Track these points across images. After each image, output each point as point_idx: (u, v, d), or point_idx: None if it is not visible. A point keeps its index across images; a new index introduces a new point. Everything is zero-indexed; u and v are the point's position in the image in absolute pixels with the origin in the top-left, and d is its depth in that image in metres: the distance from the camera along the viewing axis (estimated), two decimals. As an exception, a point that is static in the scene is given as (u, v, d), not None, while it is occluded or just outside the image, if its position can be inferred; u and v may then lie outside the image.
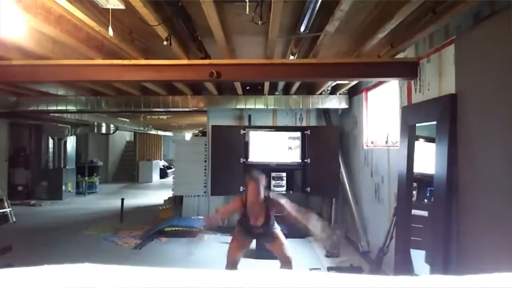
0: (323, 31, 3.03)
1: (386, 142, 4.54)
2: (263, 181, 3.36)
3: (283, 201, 3.36)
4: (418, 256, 3.22)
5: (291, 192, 6.32)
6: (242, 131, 6.29)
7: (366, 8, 2.99)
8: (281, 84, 5.82)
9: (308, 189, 6.05)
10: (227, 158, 6.23)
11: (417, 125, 3.43)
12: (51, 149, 10.48)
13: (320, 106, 6.14)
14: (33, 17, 2.53)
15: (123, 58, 3.64)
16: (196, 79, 4.14)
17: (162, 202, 8.09)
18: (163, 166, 17.15)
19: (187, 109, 6.52)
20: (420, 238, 3.22)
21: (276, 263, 4.47)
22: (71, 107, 6.46)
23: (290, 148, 6.45)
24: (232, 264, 3.46)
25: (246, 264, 3.53)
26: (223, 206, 3.67)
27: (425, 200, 3.31)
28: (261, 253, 4.45)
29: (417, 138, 3.46)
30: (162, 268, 0.52)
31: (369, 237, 5.04)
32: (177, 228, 6.04)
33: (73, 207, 9.15)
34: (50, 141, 10.45)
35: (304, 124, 6.76)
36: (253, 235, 3.54)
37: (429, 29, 2.91)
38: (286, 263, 3.43)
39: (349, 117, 6.18)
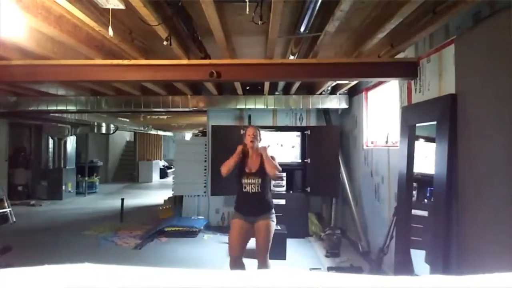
0: (323, 31, 3.03)
1: (386, 142, 4.54)
2: (259, 131, 3.56)
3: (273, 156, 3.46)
4: (418, 256, 3.22)
5: (291, 192, 6.32)
6: (242, 131, 6.28)
7: (366, 8, 2.99)
8: (281, 84, 5.82)
9: (308, 189, 6.05)
10: (227, 158, 6.20)
11: (417, 125, 3.43)
12: (51, 149, 10.49)
13: (320, 106, 6.14)
14: (33, 17, 2.53)
15: (123, 58, 3.64)
16: (196, 79, 4.14)
17: (162, 202, 8.09)
18: (163, 166, 17.16)
19: (187, 109, 6.52)
20: (420, 238, 3.22)
21: (275, 263, 4.48)
22: (71, 107, 6.47)
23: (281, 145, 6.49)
24: (235, 259, 3.31)
25: (245, 264, 3.50)
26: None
27: (425, 200, 3.32)
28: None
29: (417, 138, 3.46)
30: (162, 268, 0.52)
31: (369, 237, 5.04)
32: (177, 228, 6.05)
33: (73, 207, 9.16)
34: (50, 141, 10.45)
35: (304, 124, 6.76)
36: (247, 201, 3.35)
37: (429, 29, 2.91)
38: (262, 265, 3.32)
39: (349, 117, 6.18)
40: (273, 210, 3.42)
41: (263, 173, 3.37)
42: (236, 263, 3.33)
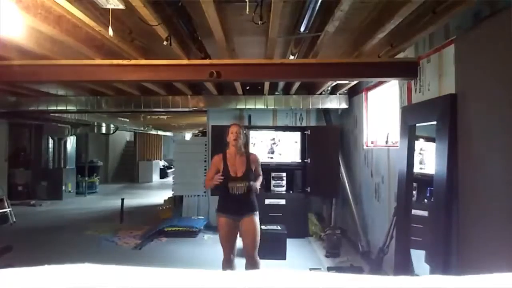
0: (323, 31, 3.03)
1: (386, 142, 4.54)
2: (244, 129, 3.54)
3: (259, 169, 3.55)
4: (418, 256, 3.22)
5: (291, 192, 6.32)
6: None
7: (366, 8, 2.99)
8: (281, 84, 5.82)
9: (308, 189, 6.05)
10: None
11: (417, 125, 3.43)
12: (51, 149, 10.49)
13: (320, 106, 6.14)
14: (33, 17, 2.53)
15: (123, 58, 3.64)
16: (196, 79, 4.14)
17: (162, 202, 8.09)
18: (163, 166, 17.16)
19: (187, 109, 6.52)
20: (420, 238, 3.22)
21: (275, 263, 4.47)
22: (71, 107, 6.47)
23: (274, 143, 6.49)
24: (227, 259, 3.43)
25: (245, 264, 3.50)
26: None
27: (425, 200, 3.31)
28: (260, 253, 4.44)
29: (417, 138, 3.46)
30: (162, 268, 0.52)
31: (369, 237, 5.04)
32: (177, 228, 6.05)
33: (73, 207, 9.16)
34: (50, 141, 10.45)
35: (304, 124, 6.77)
36: (233, 201, 3.36)
37: (429, 29, 2.91)
38: (252, 264, 3.37)
39: (349, 117, 6.18)
40: (257, 209, 3.46)
41: (249, 177, 3.38)
42: (229, 261, 3.45)
